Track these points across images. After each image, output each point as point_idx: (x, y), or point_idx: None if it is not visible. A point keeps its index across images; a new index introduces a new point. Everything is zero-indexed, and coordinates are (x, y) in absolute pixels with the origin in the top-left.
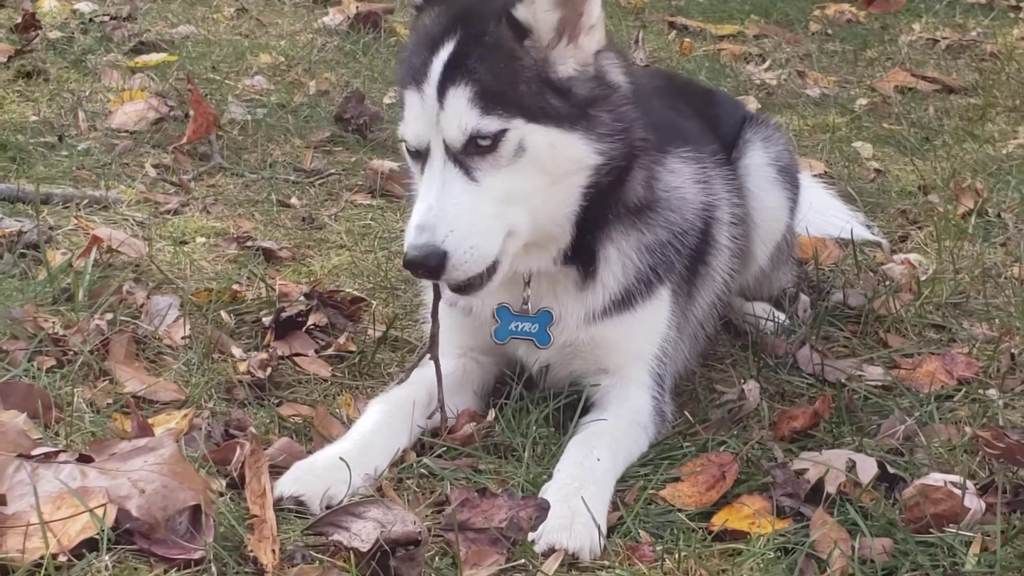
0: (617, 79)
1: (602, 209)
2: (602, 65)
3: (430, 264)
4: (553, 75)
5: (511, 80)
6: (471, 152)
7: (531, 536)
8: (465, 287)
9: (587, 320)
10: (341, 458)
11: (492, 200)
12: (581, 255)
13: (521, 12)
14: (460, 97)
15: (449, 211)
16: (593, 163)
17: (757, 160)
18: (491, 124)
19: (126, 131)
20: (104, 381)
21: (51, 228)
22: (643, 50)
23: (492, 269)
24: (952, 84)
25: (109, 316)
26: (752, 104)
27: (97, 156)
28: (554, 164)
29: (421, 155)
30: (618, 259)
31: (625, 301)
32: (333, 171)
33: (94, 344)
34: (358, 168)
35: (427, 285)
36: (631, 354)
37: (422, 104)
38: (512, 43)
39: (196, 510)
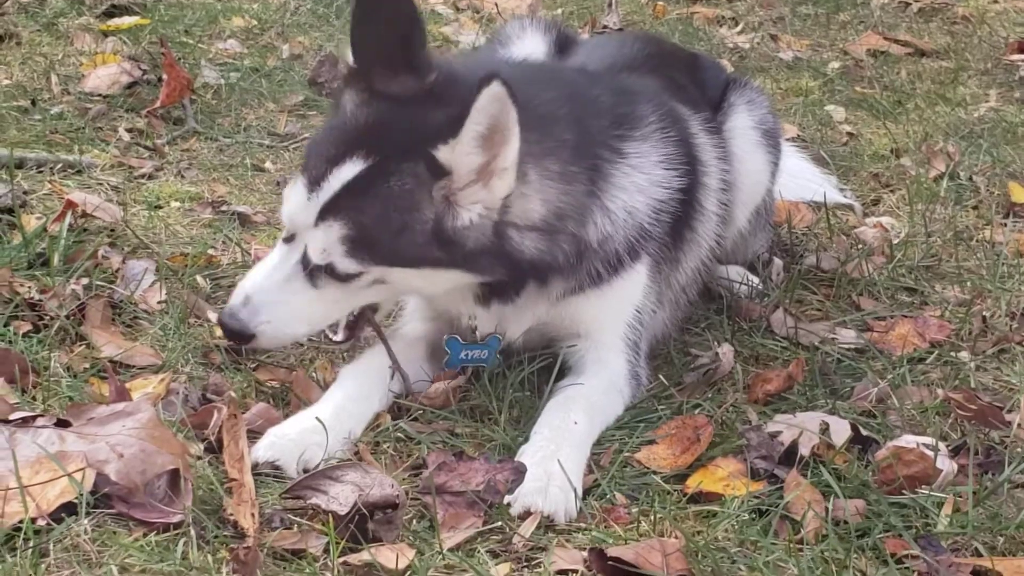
0: (518, 211)
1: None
2: (507, 210)
3: (236, 339)
4: (449, 224)
5: (396, 233)
6: (323, 270)
7: (507, 499)
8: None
9: (550, 304)
10: (317, 418)
11: (327, 301)
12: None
13: (443, 154)
14: (333, 231)
15: (276, 303)
16: (475, 281)
17: (741, 123)
18: (349, 266)
19: (99, 95)
20: (81, 346)
21: (25, 192)
22: (616, 13)
23: (347, 340)
24: (924, 47)
25: (85, 281)
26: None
27: (71, 120)
28: (425, 287)
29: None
30: (561, 281)
31: (585, 286)
32: (307, 135)
33: (70, 309)
34: None
35: None
36: (603, 322)
37: (304, 206)
38: (419, 191)
39: (174, 474)
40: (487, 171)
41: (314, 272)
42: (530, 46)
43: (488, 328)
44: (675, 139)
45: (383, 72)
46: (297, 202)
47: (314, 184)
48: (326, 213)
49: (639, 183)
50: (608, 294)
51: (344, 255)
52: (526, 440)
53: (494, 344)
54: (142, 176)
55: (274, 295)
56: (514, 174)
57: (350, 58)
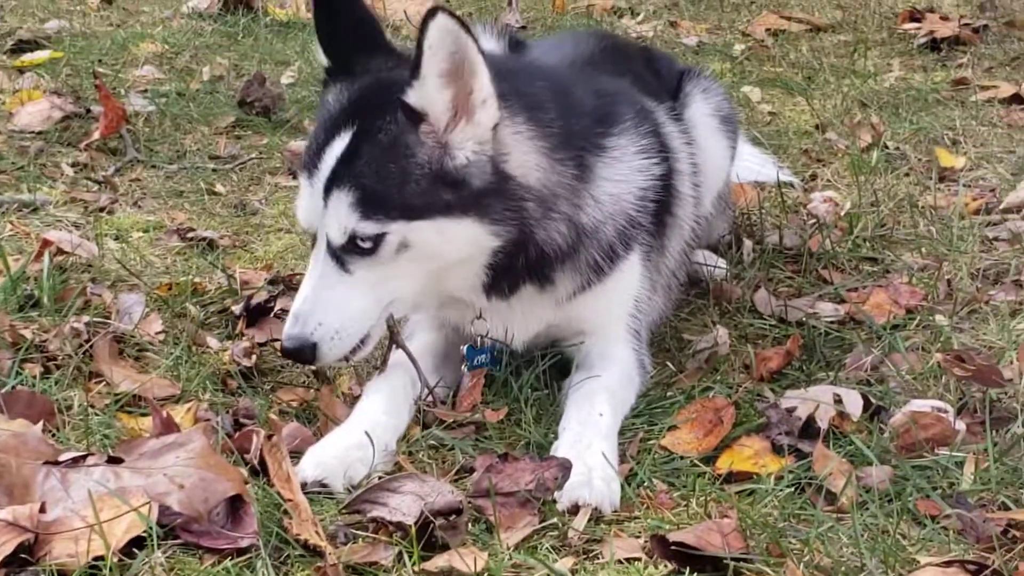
0: (516, 162)
1: (516, 263)
2: (501, 144)
3: (303, 356)
4: (449, 164)
5: (399, 181)
6: (350, 250)
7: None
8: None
9: (556, 305)
10: (367, 432)
11: (365, 289)
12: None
13: (412, 97)
14: (342, 201)
15: (320, 304)
16: (489, 246)
17: (699, 111)
18: (369, 228)
19: (32, 132)
20: (96, 383)
21: None
22: (516, 12)
23: (363, 341)
24: (819, 23)
25: (85, 318)
26: None
27: (11, 159)
28: (445, 250)
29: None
30: (566, 278)
31: (589, 283)
32: (249, 155)
33: (76, 347)
34: (273, 150)
35: None
36: (607, 318)
37: (311, 196)
38: (406, 136)
39: (232, 500)
40: (467, 107)
41: (341, 257)
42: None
43: (493, 333)
44: (649, 131)
45: (358, 58)
46: (304, 197)
47: (312, 171)
48: (330, 188)
49: (622, 172)
50: (608, 289)
51: (360, 219)
52: (555, 436)
53: (489, 349)
54: (98, 210)
55: (316, 299)
56: (495, 104)
57: (323, 59)
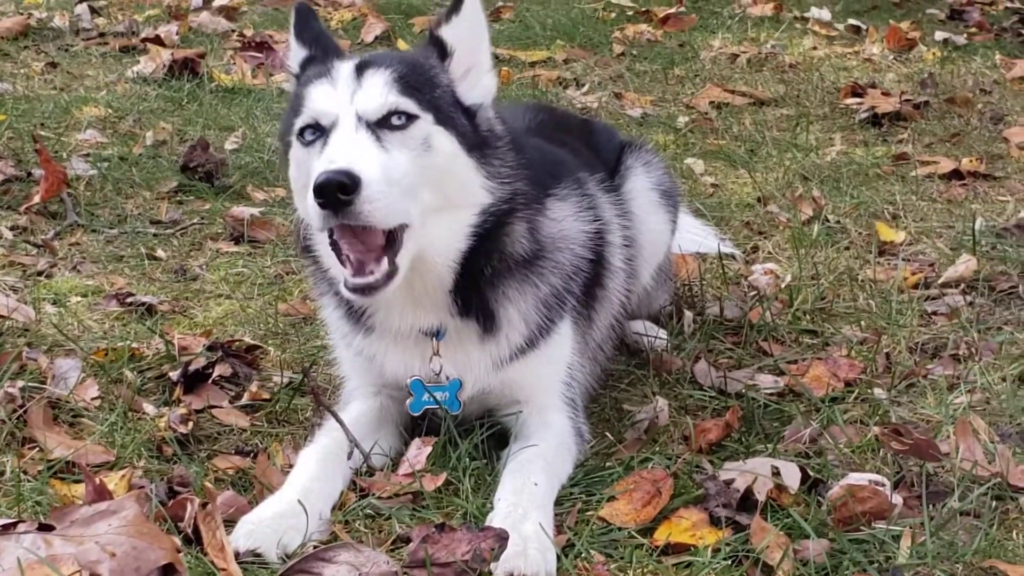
0: (500, 131)
1: (487, 260)
2: (493, 114)
3: (344, 181)
4: (465, 99)
5: (429, 83)
6: (383, 126)
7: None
8: (366, 289)
9: (495, 367)
10: (299, 501)
11: (401, 170)
12: (479, 310)
13: (445, 32)
14: (380, 76)
15: (364, 155)
16: (481, 200)
17: (640, 184)
18: (408, 105)
19: None
20: (30, 448)
21: None
22: None
23: (391, 275)
24: (762, 96)
25: (20, 383)
26: None
27: None
28: (452, 179)
29: (322, 131)
30: (519, 318)
31: (529, 344)
32: (191, 221)
33: (9, 412)
34: (215, 216)
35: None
36: (541, 386)
37: (333, 86)
38: (433, 59)
39: (164, 569)
40: (478, 69)
41: (376, 132)
42: None
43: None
44: (585, 195)
45: (331, 52)
46: (325, 86)
47: (334, 71)
48: (362, 70)
49: (558, 225)
50: (541, 356)
51: (399, 94)
52: (491, 506)
53: (455, 387)
54: (37, 274)
55: (358, 152)
56: (495, 76)
57: (296, 58)
